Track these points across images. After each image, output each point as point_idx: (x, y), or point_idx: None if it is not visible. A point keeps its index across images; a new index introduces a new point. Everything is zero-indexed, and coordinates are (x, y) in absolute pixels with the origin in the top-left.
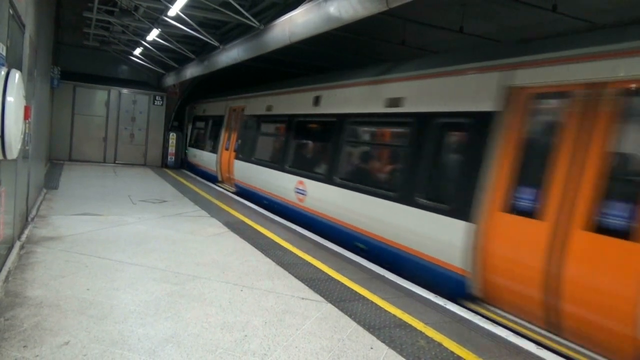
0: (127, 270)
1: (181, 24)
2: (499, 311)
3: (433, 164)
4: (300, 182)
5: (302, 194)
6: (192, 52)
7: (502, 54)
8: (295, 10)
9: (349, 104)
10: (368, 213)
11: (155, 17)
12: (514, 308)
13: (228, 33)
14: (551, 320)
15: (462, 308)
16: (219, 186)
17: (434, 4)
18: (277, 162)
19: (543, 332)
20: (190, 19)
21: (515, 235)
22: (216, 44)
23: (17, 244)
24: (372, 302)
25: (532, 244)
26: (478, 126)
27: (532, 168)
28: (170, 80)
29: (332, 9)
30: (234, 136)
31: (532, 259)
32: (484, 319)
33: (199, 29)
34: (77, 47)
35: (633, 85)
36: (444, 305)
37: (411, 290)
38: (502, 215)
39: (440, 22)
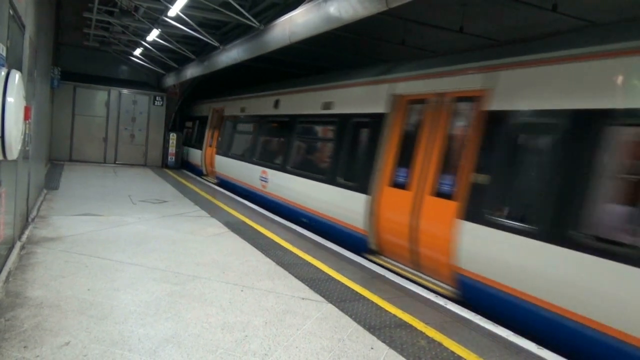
0: (128, 270)
1: (181, 24)
2: (390, 260)
3: (348, 153)
4: (264, 172)
5: (265, 181)
6: (192, 53)
7: (390, 70)
8: (295, 10)
9: (299, 107)
10: (309, 193)
11: (155, 18)
12: (395, 256)
13: (228, 33)
14: (414, 261)
15: (462, 308)
16: (203, 179)
17: (434, 4)
18: (246, 156)
19: (413, 271)
20: (190, 19)
21: (394, 202)
22: (216, 44)
23: (18, 245)
24: (372, 302)
25: (403, 208)
26: (374, 124)
27: (405, 154)
28: (170, 80)
29: (332, 9)
30: (215, 134)
31: (403, 218)
32: (484, 319)
33: (199, 29)
34: (77, 48)
35: (458, 95)
36: (445, 305)
37: (411, 290)
38: (387, 189)
39: (440, 22)
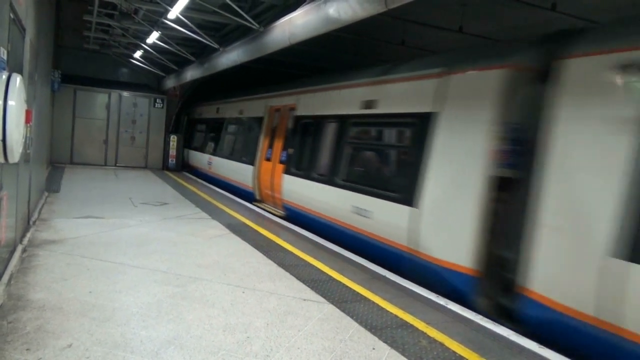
0: (129, 272)
1: (181, 26)
2: (266, 206)
3: (245, 141)
4: (210, 158)
5: (210, 163)
6: (192, 55)
7: (269, 90)
8: (295, 11)
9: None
10: (230, 170)
11: (155, 20)
12: (267, 201)
13: (228, 35)
14: (273, 202)
15: (463, 308)
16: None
17: (433, 4)
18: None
19: (272, 207)
20: (190, 22)
21: (266, 169)
22: (216, 46)
23: (19, 247)
24: (373, 302)
25: (269, 172)
26: (259, 122)
27: (270, 141)
28: (170, 82)
29: (332, 11)
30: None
31: (269, 178)
32: (485, 319)
33: (198, 31)
34: (78, 51)
35: (288, 107)
36: (446, 305)
37: (413, 290)
38: (263, 162)
39: (440, 22)
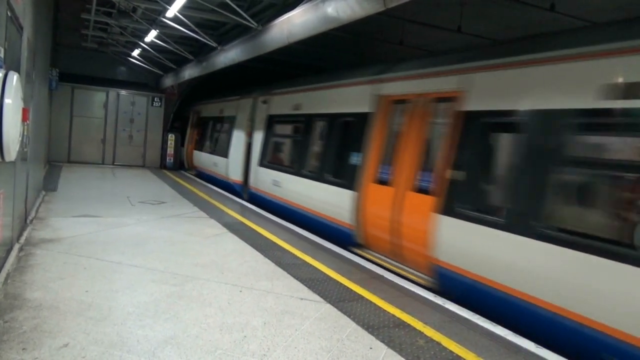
0: (126, 271)
1: (179, 25)
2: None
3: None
4: (192, 148)
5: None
6: (190, 53)
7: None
8: (293, 10)
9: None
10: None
11: (153, 19)
12: (195, 168)
13: (226, 34)
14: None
15: (461, 307)
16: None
17: (432, 4)
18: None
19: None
20: (188, 20)
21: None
22: (214, 44)
23: (16, 246)
24: (371, 302)
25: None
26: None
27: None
28: (168, 81)
29: (330, 10)
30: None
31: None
32: (482, 318)
33: (197, 30)
34: (75, 49)
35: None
36: (443, 305)
37: (410, 290)
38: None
39: (439, 22)
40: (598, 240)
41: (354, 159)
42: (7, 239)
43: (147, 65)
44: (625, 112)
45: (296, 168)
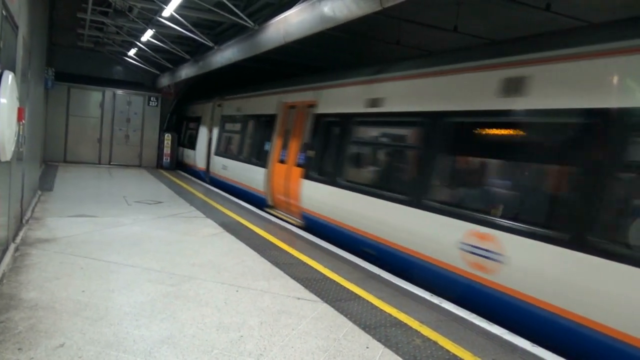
0: (123, 271)
1: (175, 24)
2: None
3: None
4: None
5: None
6: (186, 53)
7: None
8: (290, 10)
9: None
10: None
11: (150, 18)
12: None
13: (223, 33)
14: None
15: (457, 307)
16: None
17: (428, 4)
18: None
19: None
20: (185, 20)
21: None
22: (211, 44)
23: (12, 246)
24: (367, 301)
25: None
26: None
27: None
28: (165, 81)
29: (327, 9)
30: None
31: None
32: (479, 318)
33: (193, 29)
34: (71, 48)
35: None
36: (440, 304)
37: (407, 289)
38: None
39: (435, 22)
40: (366, 186)
41: (267, 146)
42: (3, 239)
43: (144, 65)
44: (370, 114)
45: (235, 155)
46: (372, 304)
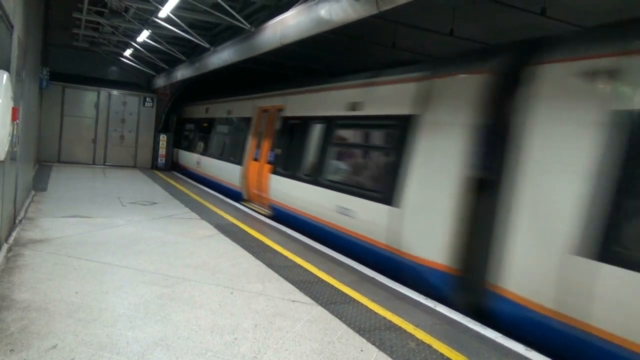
0: (117, 273)
1: (172, 25)
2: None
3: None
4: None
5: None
6: (182, 54)
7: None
8: (286, 12)
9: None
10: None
11: (146, 19)
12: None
13: (219, 35)
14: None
15: (451, 310)
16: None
17: (424, 7)
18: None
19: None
20: (181, 21)
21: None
22: (207, 45)
23: (5, 247)
24: (362, 304)
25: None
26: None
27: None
28: (160, 81)
29: (323, 12)
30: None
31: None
32: (473, 321)
33: (189, 30)
34: (67, 48)
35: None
36: (434, 307)
37: (401, 293)
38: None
39: (431, 25)
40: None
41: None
42: None
43: (139, 65)
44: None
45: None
46: (366, 307)
